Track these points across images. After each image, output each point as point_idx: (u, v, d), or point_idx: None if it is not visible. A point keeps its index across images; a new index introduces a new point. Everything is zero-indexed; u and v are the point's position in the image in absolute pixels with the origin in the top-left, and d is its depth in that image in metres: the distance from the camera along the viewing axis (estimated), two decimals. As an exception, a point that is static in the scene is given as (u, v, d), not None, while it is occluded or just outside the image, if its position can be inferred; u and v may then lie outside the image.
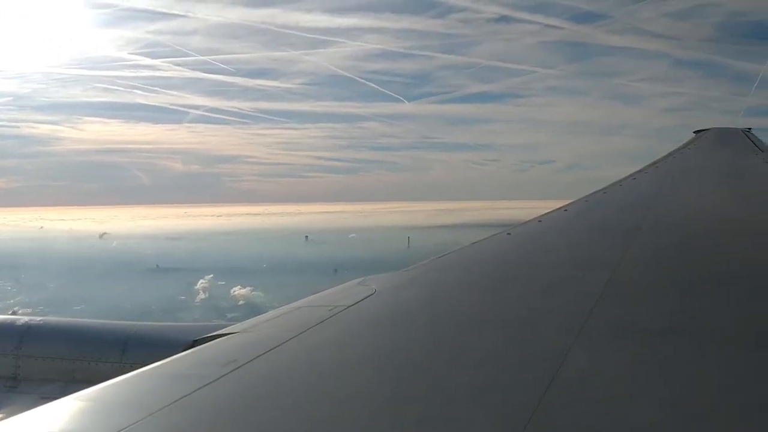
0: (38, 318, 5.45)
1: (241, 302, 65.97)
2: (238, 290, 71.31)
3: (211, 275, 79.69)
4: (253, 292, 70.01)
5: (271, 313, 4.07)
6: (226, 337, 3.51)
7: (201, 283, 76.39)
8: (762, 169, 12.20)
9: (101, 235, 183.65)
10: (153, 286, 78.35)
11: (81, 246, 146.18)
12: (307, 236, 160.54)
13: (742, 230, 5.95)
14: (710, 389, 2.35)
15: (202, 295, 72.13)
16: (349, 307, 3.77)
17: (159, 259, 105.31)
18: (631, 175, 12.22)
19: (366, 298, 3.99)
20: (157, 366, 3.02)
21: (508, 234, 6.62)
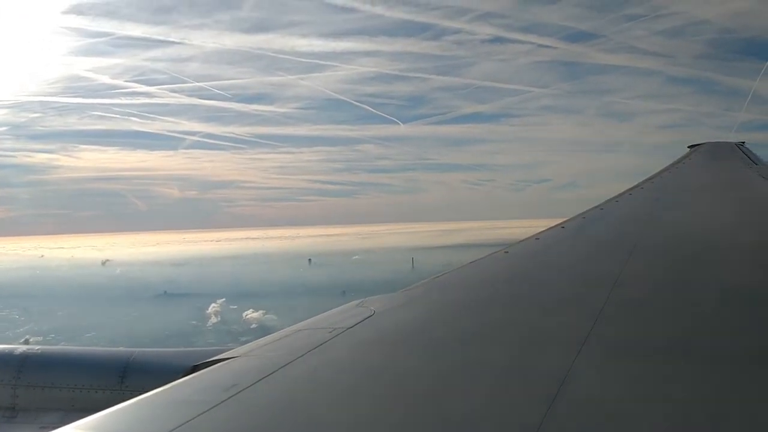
0: (36, 347, 5.38)
1: (253, 325, 66.09)
2: (250, 314, 71.37)
3: (223, 299, 79.89)
4: (265, 315, 70.09)
5: (270, 337, 4.07)
6: (226, 361, 3.50)
7: (213, 308, 76.53)
8: (757, 182, 12.30)
9: (104, 263, 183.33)
10: (163, 312, 78.39)
11: (84, 274, 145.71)
12: (310, 259, 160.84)
13: (740, 245, 6.02)
14: (711, 408, 2.37)
15: (214, 320, 72.10)
16: (348, 329, 3.79)
17: (165, 285, 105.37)
18: (627, 191, 12.30)
19: (365, 319, 4.02)
20: (158, 392, 3.02)
21: (506, 252, 6.65)
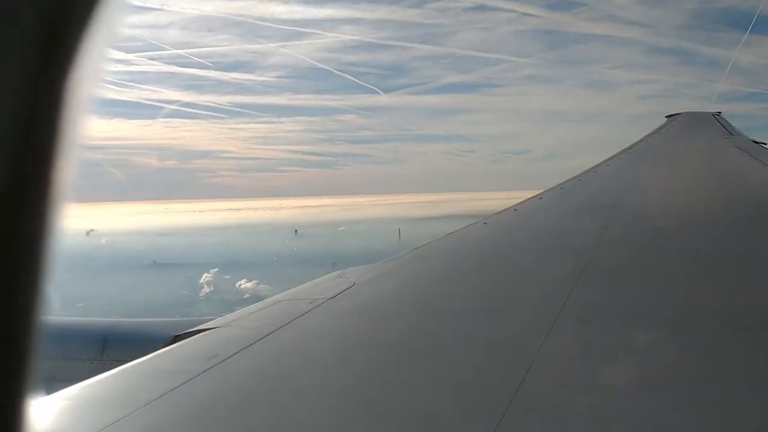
0: None
1: (246, 295, 66.22)
2: (243, 283, 71.74)
3: (216, 269, 79.94)
4: (259, 285, 70.43)
5: (251, 308, 4.07)
6: (207, 332, 3.49)
7: (205, 277, 76.63)
8: (732, 152, 12.63)
9: (88, 232, 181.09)
10: (154, 281, 78.29)
11: (69, 243, 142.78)
12: (296, 230, 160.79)
13: (715, 213, 6.16)
14: (683, 372, 2.41)
15: (206, 289, 72.31)
16: (328, 299, 3.77)
17: (154, 254, 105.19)
18: (605, 161, 12.57)
19: (345, 290, 4.01)
20: (139, 363, 3.00)
21: (485, 223, 6.72)
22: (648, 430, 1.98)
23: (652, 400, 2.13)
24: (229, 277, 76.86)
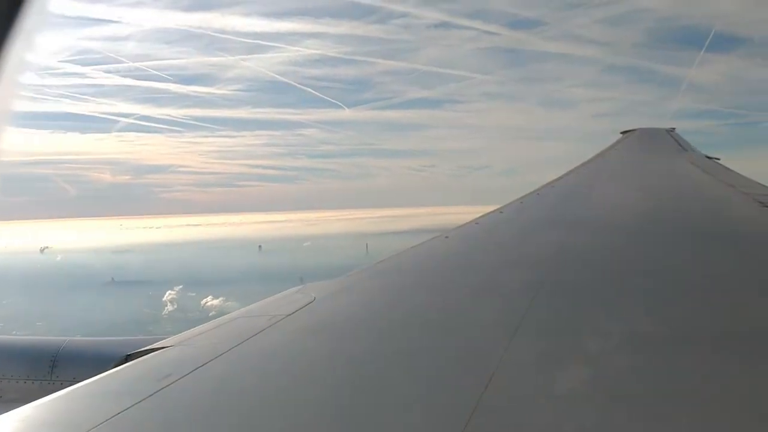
0: None
1: (212, 313, 64.47)
2: (209, 301, 69.93)
3: (180, 286, 78.09)
4: (226, 303, 68.67)
5: (206, 325, 3.94)
6: (160, 351, 3.39)
7: (169, 295, 74.72)
8: (685, 167, 12.72)
9: (42, 249, 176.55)
10: (114, 299, 76.09)
11: (23, 261, 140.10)
12: (260, 246, 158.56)
13: (669, 227, 6.21)
14: (637, 383, 2.41)
15: (170, 307, 70.52)
16: (288, 315, 3.68)
17: (112, 272, 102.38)
18: (562, 176, 12.57)
19: (305, 306, 3.91)
20: (90, 383, 2.90)
21: (446, 237, 6.64)
22: None
23: (610, 411, 2.17)
24: (194, 294, 75.27)
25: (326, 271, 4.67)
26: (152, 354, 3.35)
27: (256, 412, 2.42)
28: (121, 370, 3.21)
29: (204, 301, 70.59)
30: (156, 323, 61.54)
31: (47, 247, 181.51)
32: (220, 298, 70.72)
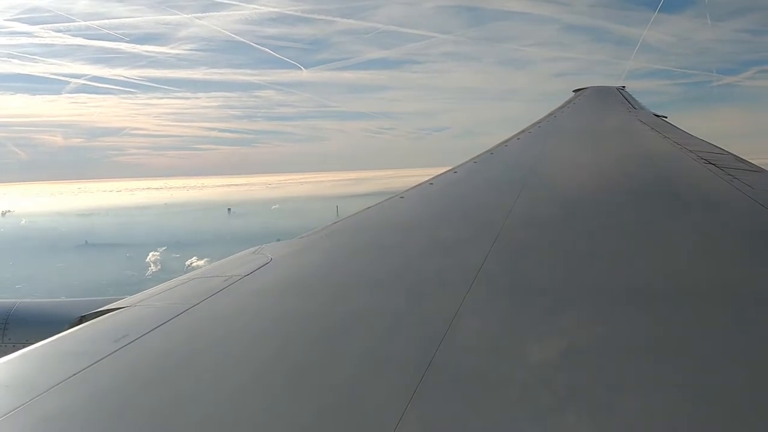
0: None
1: (197, 274, 64.95)
2: (194, 261, 70.05)
3: (165, 248, 78.02)
4: (211, 263, 69.01)
5: (161, 286, 3.91)
6: (115, 312, 3.37)
7: (152, 256, 74.65)
8: (634, 125, 13.05)
9: (3, 213, 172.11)
10: (92, 262, 75.57)
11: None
12: (229, 209, 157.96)
13: (617, 183, 6.35)
14: (592, 338, 2.47)
15: (153, 268, 70.58)
16: (244, 276, 3.71)
17: (84, 235, 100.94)
18: (515, 135, 12.75)
19: (261, 266, 3.95)
20: (44, 344, 2.91)
21: (402, 197, 6.65)
22: (560, 402, 2.02)
23: (562, 371, 2.21)
24: (178, 255, 74.86)
25: (301, 232, 4.84)
26: (107, 315, 3.34)
27: (211, 372, 2.45)
28: (76, 331, 3.20)
29: (189, 261, 70.50)
30: (141, 284, 61.40)
31: (9, 211, 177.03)
32: (205, 259, 70.72)
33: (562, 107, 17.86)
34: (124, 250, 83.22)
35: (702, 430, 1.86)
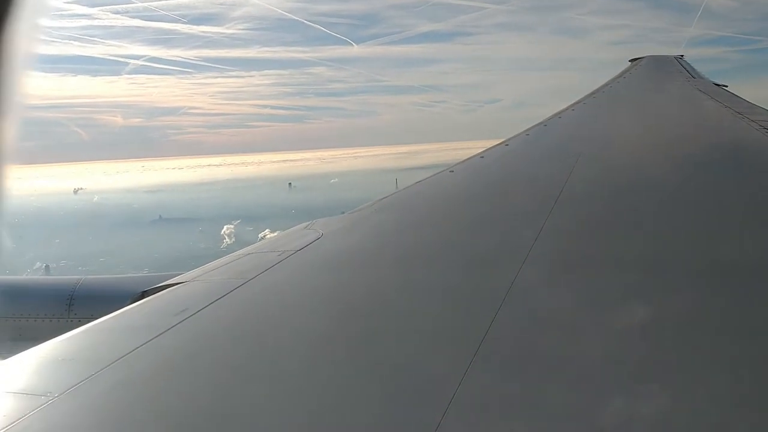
0: None
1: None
2: (268, 234, 71.88)
3: (239, 221, 79.89)
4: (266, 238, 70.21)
5: (218, 261, 4.04)
6: (175, 287, 3.46)
7: (227, 229, 76.63)
8: (693, 94, 12.70)
9: (76, 191, 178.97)
10: (167, 236, 78.09)
11: (61, 203, 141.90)
12: (290, 183, 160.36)
13: (677, 154, 6.20)
14: (648, 319, 2.40)
15: (228, 241, 72.45)
16: (297, 251, 3.76)
17: (157, 210, 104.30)
18: (570, 107, 12.43)
19: (313, 241, 3.98)
20: (107, 319, 2.99)
21: (451, 171, 6.64)
22: (627, 373, 1.99)
23: (615, 338, 2.22)
24: (251, 228, 76.52)
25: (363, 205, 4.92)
26: (167, 290, 3.43)
27: (271, 344, 2.50)
28: (137, 306, 3.29)
29: (262, 234, 72.01)
30: (217, 256, 63.38)
31: (81, 189, 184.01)
32: (277, 231, 72.49)
33: (618, 77, 17.75)
34: (196, 225, 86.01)
35: None
